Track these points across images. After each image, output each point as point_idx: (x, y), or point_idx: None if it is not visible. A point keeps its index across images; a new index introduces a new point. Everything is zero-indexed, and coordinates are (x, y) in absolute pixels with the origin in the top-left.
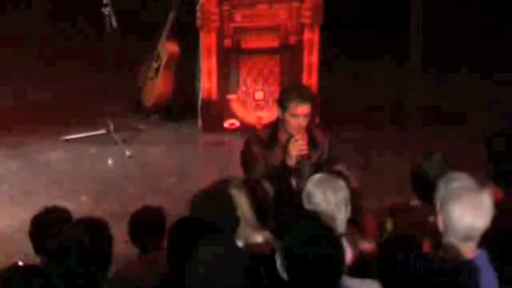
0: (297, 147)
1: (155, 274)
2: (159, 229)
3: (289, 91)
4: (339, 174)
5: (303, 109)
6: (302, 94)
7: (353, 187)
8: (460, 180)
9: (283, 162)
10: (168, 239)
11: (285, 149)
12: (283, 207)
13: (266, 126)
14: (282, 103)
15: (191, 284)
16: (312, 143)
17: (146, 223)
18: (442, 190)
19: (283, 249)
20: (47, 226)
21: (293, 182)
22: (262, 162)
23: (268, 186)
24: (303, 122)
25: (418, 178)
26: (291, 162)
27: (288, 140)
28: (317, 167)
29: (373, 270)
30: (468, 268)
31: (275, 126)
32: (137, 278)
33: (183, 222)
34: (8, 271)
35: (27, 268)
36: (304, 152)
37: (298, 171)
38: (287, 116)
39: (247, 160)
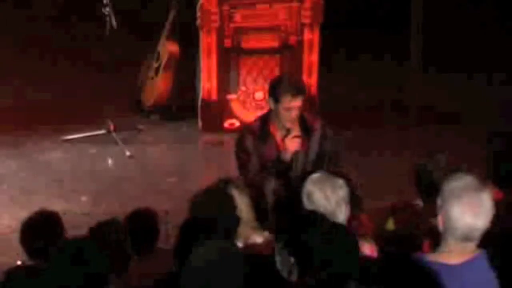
0: (294, 143)
1: (154, 274)
2: (151, 231)
3: (281, 84)
4: (338, 174)
5: (297, 102)
6: (295, 87)
7: (353, 187)
8: (460, 180)
9: (278, 157)
10: (176, 238)
11: (279, 143)
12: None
13: (257, 118)
14: (274, 96)
15: (191, 284)
16: (305, 130)
17: (137, 229)
18: (442, 190)
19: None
20: (38, 231)
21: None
22: (255, 156)
23: (268, 187)
24: (296, 114)
25: (422, 178)
26: (287, 157)
27: (285, 135)
28: (310, 156)
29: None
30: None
31: (266, 118)
32: (136, 278)
33: (190, 222)
34: (8, 271)
35: (27, 268)
36: (300, 147)
37: (292, 165)
38: (280, 109)
39: (240, 155)
